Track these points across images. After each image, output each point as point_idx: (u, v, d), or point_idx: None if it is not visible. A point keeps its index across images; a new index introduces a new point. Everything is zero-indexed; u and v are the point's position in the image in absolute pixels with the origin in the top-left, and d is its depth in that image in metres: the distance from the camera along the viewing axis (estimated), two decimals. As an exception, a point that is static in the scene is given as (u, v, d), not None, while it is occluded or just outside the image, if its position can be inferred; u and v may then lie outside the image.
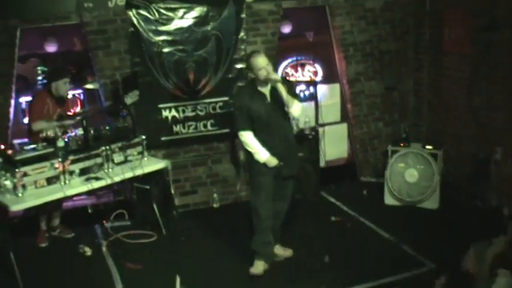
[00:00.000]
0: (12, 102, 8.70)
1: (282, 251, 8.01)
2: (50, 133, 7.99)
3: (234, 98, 8.12)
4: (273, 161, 7.22)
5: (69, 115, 8.41)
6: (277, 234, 7.89)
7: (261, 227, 7.55)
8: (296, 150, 7.78)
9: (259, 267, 7.61)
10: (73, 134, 8.18)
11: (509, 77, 8.56)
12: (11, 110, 8.65)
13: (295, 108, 7.21)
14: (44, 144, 7.77)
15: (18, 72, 8.69)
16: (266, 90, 7.18)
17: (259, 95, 7.19)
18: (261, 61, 7.00)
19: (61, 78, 8.36)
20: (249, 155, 7.33)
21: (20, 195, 7.33)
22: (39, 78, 10.60)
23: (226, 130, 9.61)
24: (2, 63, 8.41)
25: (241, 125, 7.29)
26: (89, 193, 8.41)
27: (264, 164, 7.23)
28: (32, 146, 7.69)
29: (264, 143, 7.23)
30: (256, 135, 7.25)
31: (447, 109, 10.06)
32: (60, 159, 7.64)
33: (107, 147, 8.15)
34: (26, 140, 8.38)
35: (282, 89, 7.00)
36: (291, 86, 7.55)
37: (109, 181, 8.06)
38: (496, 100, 8.90)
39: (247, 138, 7.26)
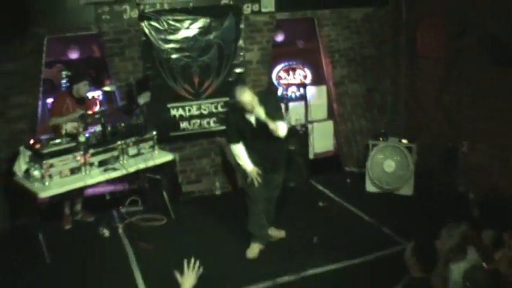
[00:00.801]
0: (40, 102, 8.70)
1: (275, 233, 8.07)
2: (73, 129, 8.06)
3: (228, 115, 8.07)
4: (254, 173, 7.37)
5: (90, 114, 8.46)
6: (271, 218, 7.95)
7: (255, 212, 7.64)
8: (282, 158, 7.82)
9: (254, 249, 7.70)
10: (93, 130, 8.25)
11: (477, 79, 8.59)
12: (39, 109, 8.64)
13: (281, 130, 7.24)
14: (68, 139, 7.84)
15: (45, 76, 8.69)
16: (252, 117, 7.26)
17: (246, 122, 7.29)
18: (246, 97, 7.05)
19: (81, 81, 8.40)
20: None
21: (46, 184, 7.40)
22: (63, 81, 10.57)
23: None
24: (31, 68, 8.41)
25: (231, 139, 7.48)
26: (107, 182, 8.45)
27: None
28: (57, 141, 7.74)
29: (252, 150, 7.42)
30: (245, 145, 7.42)
31: (421, 107, 10.07)
32: (81, 153, 7.69)
33: (123, 141, 8.17)
34: (51, 135, 8.43)
35: (266, 120, 7.10)
36: (276, 103, 7.68)
37: (124, 171, 8.09)
38: (464, 100, 8.92)
39: (236, 150, 7.45)
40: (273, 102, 7.55)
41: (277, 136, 7.26)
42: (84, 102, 8.58)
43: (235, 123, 7.40)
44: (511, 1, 7.80)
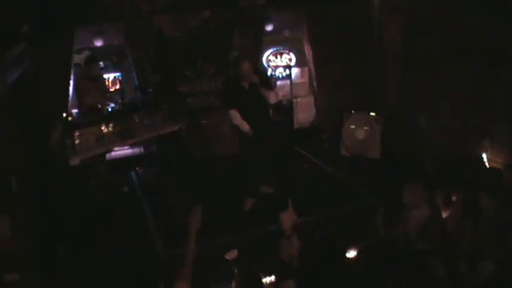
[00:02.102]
0: (71, 82, 8.72)
1: (266, 189, 8.05)
2: (98, 104, 8.13)
3: (226, 84, 8.28)
4: (245, 126, 7.43)
5: (111, 91, 8.50)
6: (262, 177, 7.95)
7: (248, 172, 7.75)
8: (266, 120, 7.89)
9: (248, 202, 7.81)
10: (114, 105, 8.32)
11: (430, 64, 8.66)
12: (70, 88, 8.67)
13: (271, 97, 7.47)
14: (94, 112, 7.92)
15: (75, 60, 8.72)
16: (247, 84, 7.40)
17: (242, 88, 7.42)
18: (245, 66, 7.33)
19: (91, 64, 8.44)
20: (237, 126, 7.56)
21: (77, 150, 7.52)
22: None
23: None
24: (64, 53, 8.43)
25: (229, 104, 7.53)
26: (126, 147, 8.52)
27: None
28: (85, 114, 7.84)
29: (245, 114, 7.44)
30: (240, 110, 7.44)
31: (387, 86, 10.07)
32: (105, 123, 7.81)
33: (139, 114, 8.24)
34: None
35: (260, 86, 7.33)
36: (268, 77, 7.82)
37: (140, 138, 8.24)
38: (421, 81, 8.99)
39: (233, 114, 7.47)
40: (265, 76, 7.78)
41: (266, 103, 7.47)
42: (98, 81, 8.59)
43: (233, 90, 7.51)
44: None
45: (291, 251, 4.91)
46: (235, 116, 7.45)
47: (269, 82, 7.84)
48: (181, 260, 4.08)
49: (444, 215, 5.63)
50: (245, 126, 7.44)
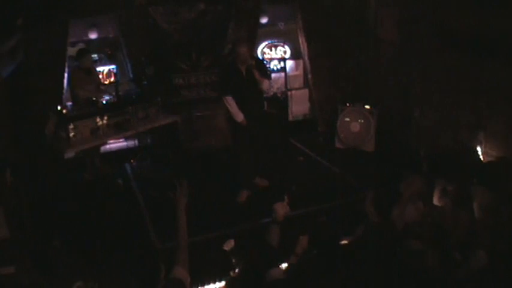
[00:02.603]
0: (66, 75, 8.61)
1: (260, 182, 8.12)
2: (92, 97, 8.11)
3: (222, 71, 8.27)
4: (243, 121, 7.43)
5: (106, 83, 8.47)
6: (256, 169, 8.00)
7: (243, 164, 7.76)
8: (261, 108, 7.92)
9: (243, 195, 7.82)
10: (109, 97, 8.30)
11: (425, 57, 8.64)
12: (65, 80, 8.58)
13: (265, 84, 7.50)
14: (88, 105, 7.91)
15: (69, 53, 8.69)
16: (243, 68, 7.37)
17: (238, 72, 7.39)
18: (242, 49, 7.29)
19: (83, 56, 8.40)
20: (232, 118, 7.54)
21: (71, 142, 7.51)
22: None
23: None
24: (58, 46, 8.33)
25: (225, 91, 7.48)
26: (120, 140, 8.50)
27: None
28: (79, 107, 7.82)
29: (240, 99, 7.42)
30: (235, 96, 7.42)
31: (382, 79, 10.01)
32: (99, 116, 7.79)
33: (133, 106, 8.23)
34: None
35: (256, 71, 7.31)
36: (263, 67, 7.74)
37: (135, 131, 8.23)
38: (415, 74, 8.98)
39: (229, 101, 7.44)
40: (262, 65, 7.78)
41: (260, 89, 7.49)
42: (91, 74, 8.57)
43: (228, 75, 7.50)
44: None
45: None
46: (231, 104, 7.43)
47: (265, 68, 7.84)
48: (176, 245, 4.06)
49: (439, 205, 5.66)
50: (239, 116, 7.43)
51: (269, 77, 7.98)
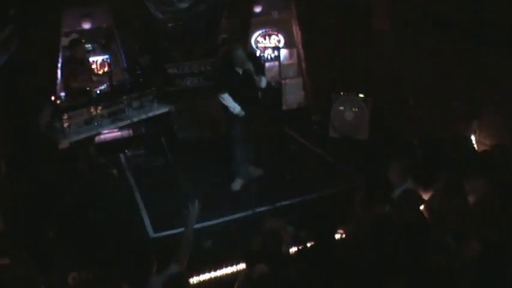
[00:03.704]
0: (59, 65, 8.54)
1: (255, 170, 8.16)
2: (86, 87, 8.07)
3: (219, 69, 8.28)
4: (237, 108, 7.43)
5: (100, 73, 8.42)
6: (251, 158, 8.06)
7: (238, 153, 7.76)
8: (257, 105, 7.88)
9: (237, 184, 7.85)
10: (103, 87, 8.26)
11: (419, 46, 8.63)
12: (58, 71, 8.52)
13: (262, 82, 7.51)
14: (82, 95, 7.86)
15: (63, 43, 8.63)
16: (240, 69, 7.39)
17: (235, 73, 7.41)
18: (239, 53, 7.30)
19: (76, 47, 8.31)
20: (226, 108, 7.53)
21: (66, 133, 7.47)
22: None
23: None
24: (51, 36, 8.31)
25: (222, 88, 7.48)
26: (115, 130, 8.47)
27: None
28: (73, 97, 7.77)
29: (237, 98, 7.43)
30: (232, 94, 7.43)
31: (376, 68, 9.97)
32: (94, 106, 7.76)
33: (127, 96, 8.18)
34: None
35: (253, 72, 7.33)
36: (259, 63, 7.84)
37: (129, 121, 8.19)
38: (409, 63, 8.96)
39: (226, 97, 7.44)
40: (258, 62, 7.76)
41: (258, 87, 7.50)
42: (83, 64, 8.49)
43: (226, 74, 7.49)
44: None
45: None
46: (228, 100, 7.44)
47: (262, 68, 7.85)
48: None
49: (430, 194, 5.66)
50: (237, 109, 7.43)
51: (264, 73, 7.97)
